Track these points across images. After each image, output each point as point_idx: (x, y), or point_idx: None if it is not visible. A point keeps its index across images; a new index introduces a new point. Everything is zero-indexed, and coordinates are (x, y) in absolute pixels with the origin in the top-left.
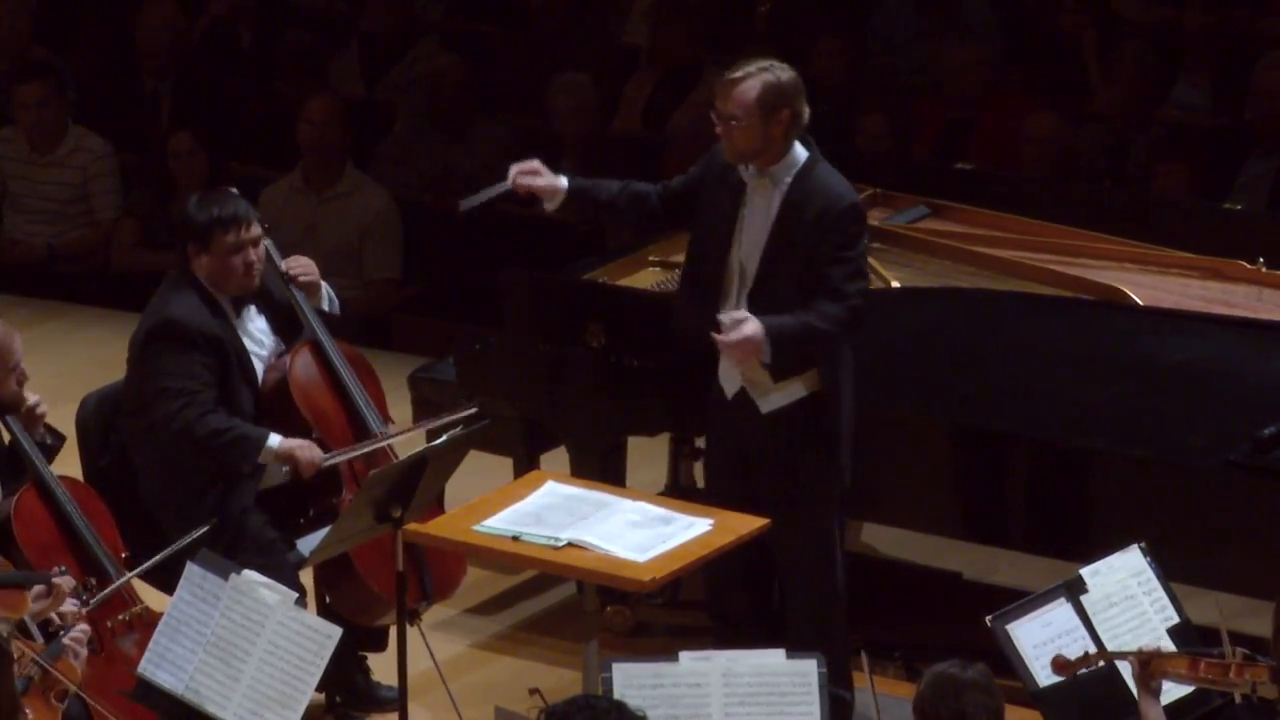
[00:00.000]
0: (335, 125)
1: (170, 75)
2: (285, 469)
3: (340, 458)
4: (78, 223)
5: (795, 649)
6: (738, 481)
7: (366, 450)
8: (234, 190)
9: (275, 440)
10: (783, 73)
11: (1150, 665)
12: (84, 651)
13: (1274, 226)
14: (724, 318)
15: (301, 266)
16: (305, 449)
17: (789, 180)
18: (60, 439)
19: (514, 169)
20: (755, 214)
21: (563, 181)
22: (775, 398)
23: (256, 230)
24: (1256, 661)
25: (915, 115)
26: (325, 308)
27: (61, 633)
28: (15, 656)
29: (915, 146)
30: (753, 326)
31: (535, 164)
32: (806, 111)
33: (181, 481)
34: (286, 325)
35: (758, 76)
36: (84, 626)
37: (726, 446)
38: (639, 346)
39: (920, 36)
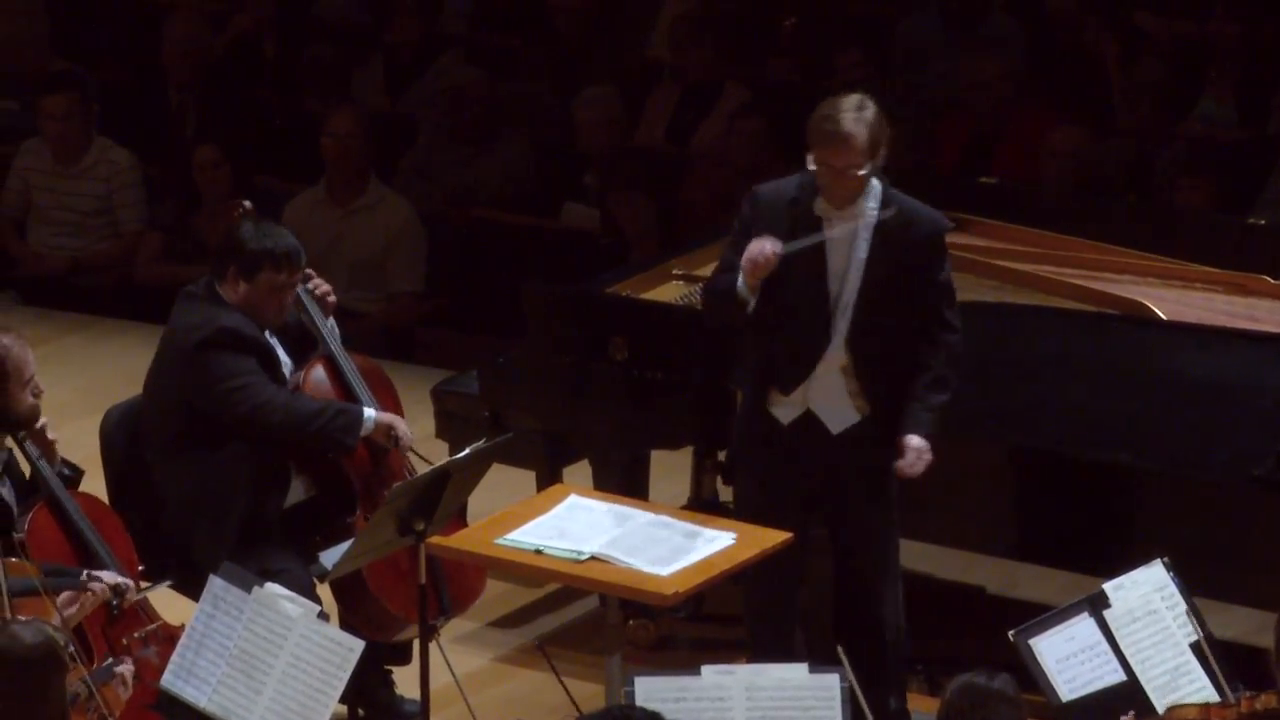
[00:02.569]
0: (359, 138)
1: (195, 88)
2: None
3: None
4: (102, 235)
5: (873, 664)
6: (795, 509)
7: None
8: (246, 205)
9: (371, 412)
10: (871, 108)
11: None
12: (130, 684)
13: None
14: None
15: (328, 288)
16: (403, 423)
17: (874, 206)
18: (79, 472)
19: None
20: (841, 244)
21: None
22: (847, 416)
23: (300, 276)
24: (1261, 693)
25: (939, 129)
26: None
27: (113, 661)
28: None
29: (939, 160)
30: (922, 447)
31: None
32: None
33: (213, 498)
34: (299, 348)
35: (861, 122)
36: (130, 665)
37: (784, 473)
38: (662, 360)
39: (944, 51)
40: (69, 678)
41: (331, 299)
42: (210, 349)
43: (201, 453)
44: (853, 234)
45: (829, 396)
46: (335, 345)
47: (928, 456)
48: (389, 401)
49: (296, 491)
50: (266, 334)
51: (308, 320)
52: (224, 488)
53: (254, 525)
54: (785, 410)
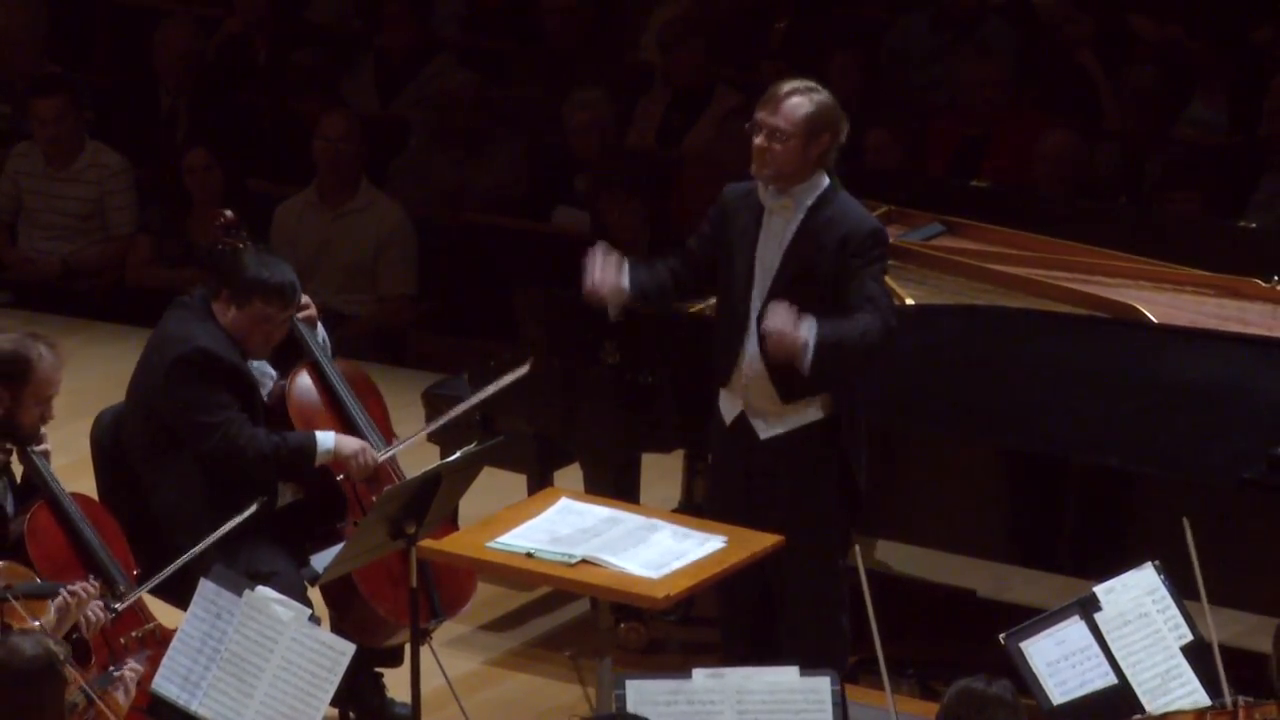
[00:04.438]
0: (350, 141)
1: (186, 92)
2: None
3: (387, 453)
4: (93, 238)
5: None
6: (736, 502)
7: (402, 447)
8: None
9: (331, 441)
10: (828, 97)
11: None
12: (134, 690)
13: None
14: (776, 315)
15: (310, 309)
16: (363, 454)
17: (809, 204)
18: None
19: (596, 275)
20: (771, 237)
21: (625, 282)
22: (773, 424)
23: (293, 311)
24: (1261, 703)
25: (930, 132)
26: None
27: (114, 668)
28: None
29: (930, 163)
30: (804, 328)
31: (609, 262)
32: (843, 140)
33: (195, 501)
34: (283, 358)
35: (807, 95)
36: (137, 665)
37: (728, 473)
38: (653, 363)
39: (936, 54)
40: (69, 688)
41: (309, 313)
42: (183, 369)
43: (183, 455)
44: (781, 229)
45: (759, 397)
46: (320, 353)
47: (788, 339)
48: (375, 407)
49: (284, 494)
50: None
51: (293, 327)
52: (207, 491)
53: (236, 541)
54: (728, 408)
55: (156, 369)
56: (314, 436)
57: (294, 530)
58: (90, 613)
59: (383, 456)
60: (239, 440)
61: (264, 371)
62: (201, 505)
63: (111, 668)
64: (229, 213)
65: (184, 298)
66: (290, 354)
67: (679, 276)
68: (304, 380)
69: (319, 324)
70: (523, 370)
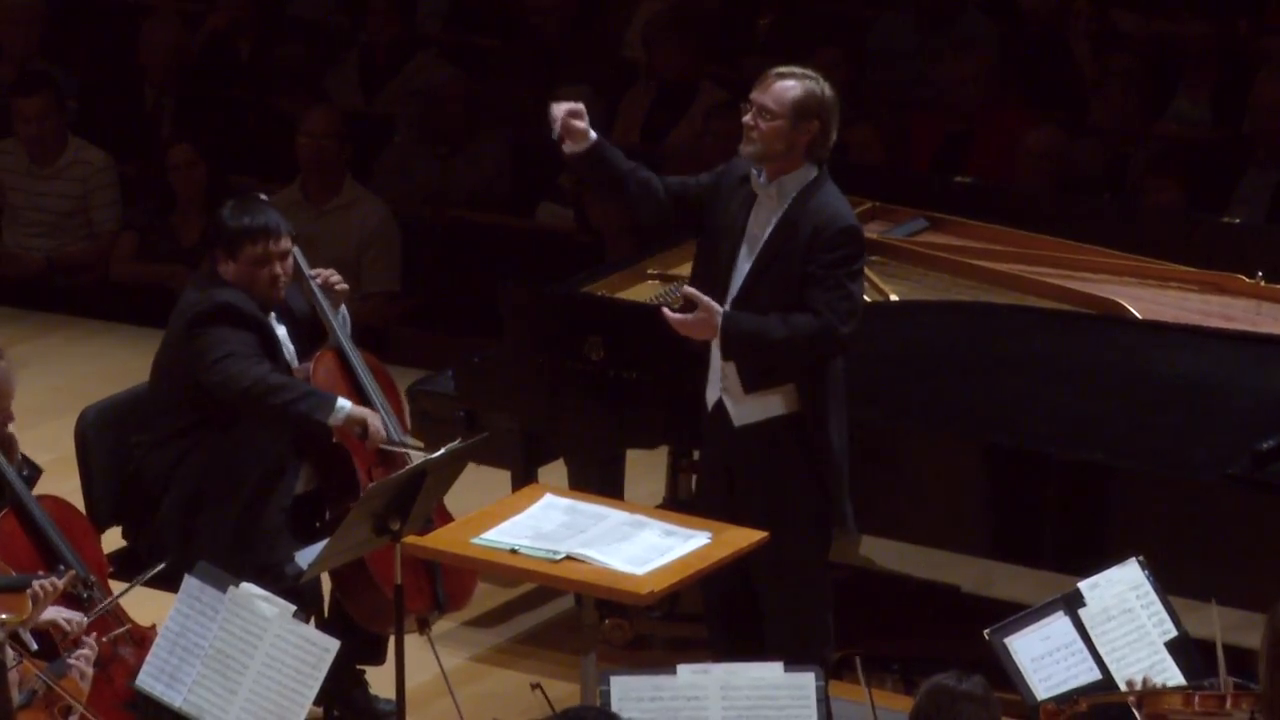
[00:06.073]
0: (334, 138)
1: (171, 88)
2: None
3: (399, 448)
4: (77, 235)
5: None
6: (720, 493)
7: (420, 450)
8: (264, 198)
9: (346, 404)
10: (826, 88)
11: (1144, 706)
12: (90, 670)
13: (1272, 240)
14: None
15: (336, 275)
16: (376, 416)
17: (794, 194)
18: (37, 470)
19: (562, 108)
20: (758, 225)
21: (593, 134)
22: (749, 411)
23: (286, 244)
24: (1250, 689)
25: (914, 128)
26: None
27: (66, 653)
28: (21, 669)
29: (914, 159)
30: (713, 310)
31: (581, 108)
32: (834, 135)
33: (213, 489)
34: (306, 339)
35: (802, 80)
36: (91, 644)
37: (711, 457)
38: (638, 359)
39: (919, 50)
40: (25, 674)
41: (341, 286)
42: (206, 321)
43: (207, 438)
44: (767, 218)
45: (730, 380)
46: (345, 339)
47: (703, 317)
48: (393, 398)
49: (300, 482)
50: (272, 318)
51: (320, 312)
52: (229, 476)
53: (259, 516)
54: (710, 393)
55: (176, 335)
56: (332, 394)
57: (307, 517)
58: (63, 620)
59: (395, 448)
60: (251, 372)
61: (280, 339)
62: (222, 491)
63: (64, 654)
64: (264, 198)
65: (198, 271)
66: (317, 334)
67: (648, 185)
68: (328, 364)
69: (343, 305)
70: (481, 438)
